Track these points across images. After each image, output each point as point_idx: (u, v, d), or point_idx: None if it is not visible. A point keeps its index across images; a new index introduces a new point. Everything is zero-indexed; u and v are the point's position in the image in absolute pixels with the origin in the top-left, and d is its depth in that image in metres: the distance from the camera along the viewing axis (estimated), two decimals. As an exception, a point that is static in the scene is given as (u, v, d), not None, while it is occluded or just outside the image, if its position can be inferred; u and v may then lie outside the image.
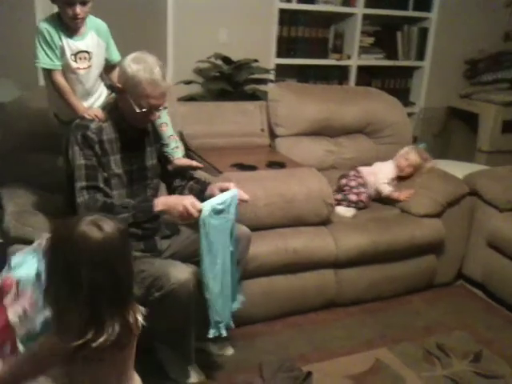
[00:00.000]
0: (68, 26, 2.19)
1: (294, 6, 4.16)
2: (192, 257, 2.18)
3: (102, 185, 2.08)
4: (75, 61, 2.23)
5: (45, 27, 2.17)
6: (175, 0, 3.77)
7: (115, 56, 2.39)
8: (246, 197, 2.21)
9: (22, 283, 1.58)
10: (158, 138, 2.33)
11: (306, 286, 2.78)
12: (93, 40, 2.27)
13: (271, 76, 4.07)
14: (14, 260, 1.63)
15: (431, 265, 3.10)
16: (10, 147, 2.62)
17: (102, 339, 1.27)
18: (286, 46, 4.24)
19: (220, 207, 2.07)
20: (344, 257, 2.80)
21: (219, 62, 3.89)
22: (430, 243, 3.02)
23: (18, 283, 1.58)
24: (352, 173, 3.18)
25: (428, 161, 3.26)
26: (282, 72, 4.24)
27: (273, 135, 3.41)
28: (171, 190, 2.40)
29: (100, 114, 2.14)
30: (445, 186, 3.10)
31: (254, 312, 2.64)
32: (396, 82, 4.77)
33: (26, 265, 1.60)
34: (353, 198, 3.05)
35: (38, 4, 3.46)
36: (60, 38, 2.19)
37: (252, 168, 2.90)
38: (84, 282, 1.25)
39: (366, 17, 4.40)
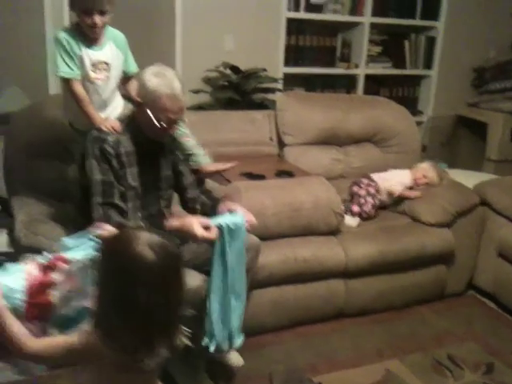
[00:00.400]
0: (87, 35, 2.19)
1: (302, 15, 4.17)
2: (203, 266, 2.17)
3: (117, 201, 2.07)
4: (94, 71, 2.23)
5: (64, 37, 2.17)
6: (183, 10, 3.78)
7: (133, 68, 2.39)
8: (254, 221, 2.20)
9: (73, 264, 1.55)
10: (174, 150, 2.32)
11: (314, 296, 2.76)
12: (112, 51, 2.27)
13: (279, 85, 4.07)
14: (69, 242, 1.61)
15: (441, 275, 3.08)
16: (19, 156, 2.62)
17: (149, 361, 1.27)
18: (293, 55, 4.25)
19: (233, 227, 2.09)
20: (353, 266, 2.79)
21: (227, 71, 3.90)
22: (440, 253, 2.99)
23: (70, 263, 1.56)
24: (365, 181, 3.15)
25: (444, 180, 3.26)
26: (290, 81, 4.24)
27: (281, 144, 3.41)
28: (184, 201, 2.39)
29: (117, 125, 2.13)
30: (455, 196, 3.08)
31: (264, 321, 2.63)
32: (404, 91, 4.77)
33: (81, 249, 1.57)
34: (355, 209, 3.04)
35: (47, 13, 3.48)
36: (79, 48, 2.19)
37: (260, 177, 2.89)
38: (137, 303, 1.25)
39: (373, 26, 4.41)
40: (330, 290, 2.80)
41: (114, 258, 1.30)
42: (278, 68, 4.16)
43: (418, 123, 4.47)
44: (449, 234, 3.01)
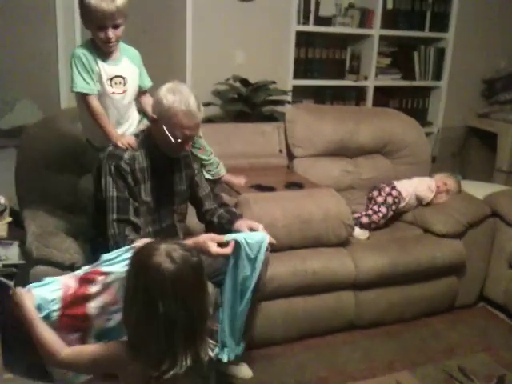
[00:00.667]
0: (102, 50, 2.22)
1: (311, 28, 4.19)
2: (212, 277, 2.18)
3: (132, 217, 2.08)
4: (111, 85, 2.25)
5: (82, 52, 2.19)
6: (194, 24, 3.82)
7: (147, 82, 2.41)
8: (274, 241, 2.19)
9: (110, 277, 1.59)
10: (190, 163, 2.33)
11: (324, 308, 2.76)
12: (127, 65, 2.29)
13: (288, 97, 4.09)
14: (106, 256, 1.65)
15: (452, 286, 3.06)
16: (31, 169, 2.65)
17: (173, 371, 1.29)
18: (303, 68, 4.27)
19: (253, 242, 2.08)
20: (363, 278, 2.78)
21: (237, 84, 3.93)
22: (451, 264, 2.98)
23: (106, 276, 1.59)
24: (387, 189, 3.13)
25: (458, 193, 3.29)
26: (299, 93, 4.26)
27: (290, 156, 3.42)
28: (201, 214, 2.40)
29: (133, 142, 2.15)
30: (467, 207, 3.08)
31: (273, 333, 2.63)
32: (413, 102, 4.77)
33: (118, 262, 1.61)
34: (364, 220, 3.03)
35: (59, 26, 3.53)
36: (96, 63, 2.21)
37: (270, 189, 2.90)
38: (158, 313, 1.28)
39: (382, 38, 4.42)
40: (340, 302, 2.79)
41: (136, 270, 1.34)
42: (287, 80, 4.18)
43: (428, 134, 4.47)
44: (460, 245, 3.00)
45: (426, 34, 4.62)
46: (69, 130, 2.70)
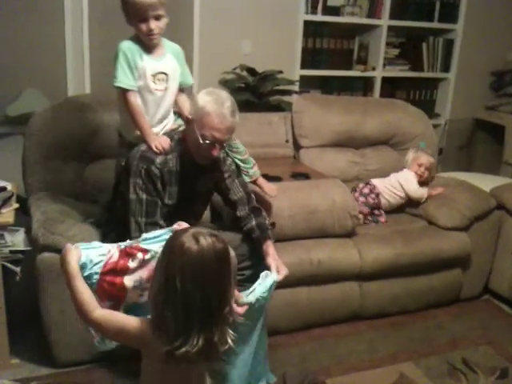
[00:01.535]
0: (147, 45, 2.19)
1: (319, 17, 4.17)
2: None
3: (160, 221, 2.11)
4: (154, 81, 2.22)
5: (127, 47, 2.17)
6: (202, 13, 3.81)
7: (189, 79, 2.39)
8: (287, 273, 2.14)
9: (148, 255, 1.63)
10: (219, 168, 2.30)
11: (329, 298, 2.76)
12: (171, 62, 2.26)
13: (296, 87, 4.08)
14: (146, 235, 1.69)
15: (457, 279, 3.06)
16: (38, 156, 2.66)
17: (184, 349, 1.33)
18: (310, 58, 4.24)
19: (262, 302, 2.02)
20: (368, 269, 2.79)
21: (244, 74, 3.92)
22: (456, 257, 2.98)
23: (145, 253, 1.64)
24: (361, 185, 3.19)
25: (432, 159, 3.31)
26: (306, 83, 4.25)
27: (297, 146, 3.42)
28: (234, 219, 2.36)
29: (167, 145, 2.15)
30: (473, 201, 3.07)
31: (278, 323, 2.64)
32: (421, 94, 4.74)
33: (157, 242, 1.65)
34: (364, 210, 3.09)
35: (67, 15, 3.52)
36: (141, 58, 2.18)
37: (277, 179, 2.90)
38: (177, 291, 1.33)
39: (390, 28, 4.39)
40: (345, 293, 2.80)
41: (164, 248, 1.41)
42: (294, 70, 4.17)
43: (436, 126, 4.45)
44: (465, 237, 2.99)
45: (435, 24, 4.58)
46: (76, 117, 2.71)
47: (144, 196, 2.09)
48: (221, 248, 1.38)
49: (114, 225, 2.26)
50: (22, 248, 2.49)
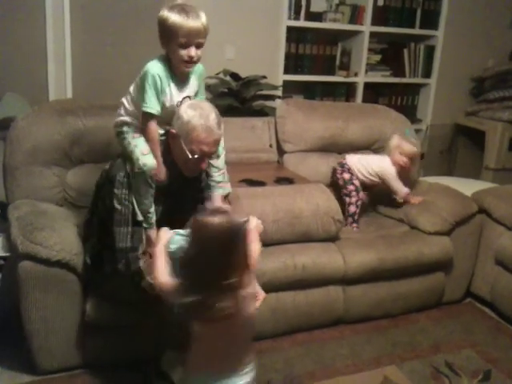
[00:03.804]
0: (177, 70, 2.11)
1: (302, 23, 4.19)
2: None
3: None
4: (178, 106, 2.14)
5: (157, 73, 2.06)
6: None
7: (202, 96, 2.31)
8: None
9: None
10: (202, 189, 2.31)
11: (313, 303, 2.77)
12: (194, 84, 2.20)
13: (279, 92, 4.09)
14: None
15: (439, 283, 3.08)
16: (19, 161, 2.62)
17: (192, 307, 1.55)
18: (293, 63, 4.27)
19: None
20: (352, 273, 2.79)
21: (227, 78, 3.92)
22: (439, 261, 3.00)
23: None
24: (339, 169, 3.19)
25: (418, 147, 3.26)
26: (289, 88, 4.26)
27: (281, 151, 3.42)
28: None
29: (163, 177, 2.14)
30: (454, 205, 3.09)
31: (262, 328, 2.62)
32: (403, 99, 4.80)
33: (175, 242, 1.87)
34: (352, 209, 3.09)
35: (48, 19, 3.51)
36: (169, 84, 2.10)
37: (260, 184, 2.90)
38: (192, 256, 1.57)
39: (373, 34, 4.43)
40: (329, 297, 2.80)
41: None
42: (277, 75, 4.18)
43: (417, 131, 4.49)
44: (447, 241, 3.02)
45: (416, 31, 4.64)
46: (57, 122, 2.67)
47: (130, 206, 2.08)
48: (237, 227, 1.60)
49: (96, 228, 2.24)
50: (1, 254, 2.45)
